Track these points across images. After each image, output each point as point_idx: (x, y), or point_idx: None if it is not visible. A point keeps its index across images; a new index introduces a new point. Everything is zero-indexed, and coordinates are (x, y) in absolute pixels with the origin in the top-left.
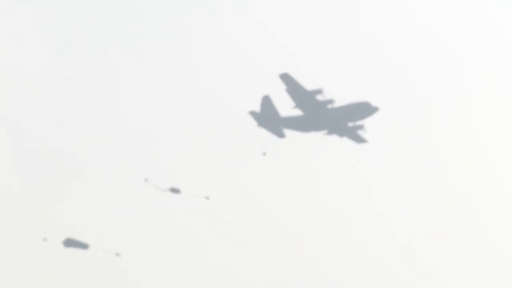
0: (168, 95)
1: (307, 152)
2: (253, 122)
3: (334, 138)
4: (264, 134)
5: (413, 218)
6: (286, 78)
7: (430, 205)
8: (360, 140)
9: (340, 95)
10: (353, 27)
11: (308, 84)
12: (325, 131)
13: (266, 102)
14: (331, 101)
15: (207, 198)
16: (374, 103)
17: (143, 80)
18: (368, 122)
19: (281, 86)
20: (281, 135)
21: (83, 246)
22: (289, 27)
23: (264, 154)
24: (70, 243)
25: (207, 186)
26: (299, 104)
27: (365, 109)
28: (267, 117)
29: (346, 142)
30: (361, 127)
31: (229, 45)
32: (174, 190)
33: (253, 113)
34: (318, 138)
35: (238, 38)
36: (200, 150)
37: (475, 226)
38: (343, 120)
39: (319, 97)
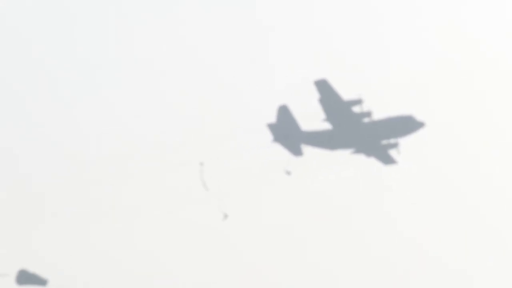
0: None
1: (322, 173)
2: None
3: (360, 157)
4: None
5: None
6: (322, 86)
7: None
8: (389, 160)
9: (377, 107)
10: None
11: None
12: (353, 150)
13: (284, 113)
14: (368, 114)
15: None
16: (419, 117)
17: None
18: (404, 140)
19: (305, 95)
20: (298, 152)
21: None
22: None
23: (288, 173)
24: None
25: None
26: (331, 116)
27: (408, 125)
28: (285, 131)
29: (372, 162)
30: (395, 145)
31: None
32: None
33: (271, 126)
34: (342, 158)
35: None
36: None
37: None
38: (379, 137)
39: (356, 109)
